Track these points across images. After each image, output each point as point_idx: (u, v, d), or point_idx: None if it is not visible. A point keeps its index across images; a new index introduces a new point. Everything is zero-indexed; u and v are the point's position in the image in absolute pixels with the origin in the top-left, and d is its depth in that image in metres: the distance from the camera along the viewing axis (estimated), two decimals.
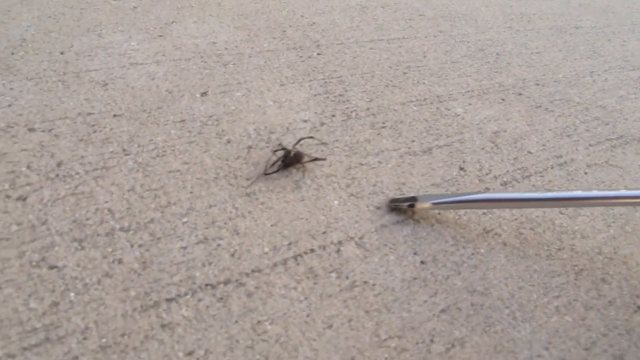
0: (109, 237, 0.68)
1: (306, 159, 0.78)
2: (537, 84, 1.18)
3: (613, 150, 1.05)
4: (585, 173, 0.97)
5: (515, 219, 0.84)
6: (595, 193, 0.75)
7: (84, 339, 0.58)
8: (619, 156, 1.04)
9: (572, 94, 1.16)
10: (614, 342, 0.71)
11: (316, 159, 0.80)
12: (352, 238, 0.75)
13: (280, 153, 0.79)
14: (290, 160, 0.77)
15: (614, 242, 0.85)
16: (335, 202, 0.79)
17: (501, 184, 0.89)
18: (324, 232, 0.75)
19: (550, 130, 1.04)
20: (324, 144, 0.86)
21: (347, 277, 0.70)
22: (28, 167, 0.75)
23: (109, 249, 0.67)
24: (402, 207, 0.81)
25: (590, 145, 1.04)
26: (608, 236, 0.86)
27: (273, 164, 0.78)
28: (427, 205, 0.79)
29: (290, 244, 0.72)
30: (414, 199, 0.80)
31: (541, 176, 0.93)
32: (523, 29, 1.51)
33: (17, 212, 0.69)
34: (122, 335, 0.59)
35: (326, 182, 0.81)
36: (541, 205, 0.77)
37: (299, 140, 0.84)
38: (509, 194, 0.78)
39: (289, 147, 0.82)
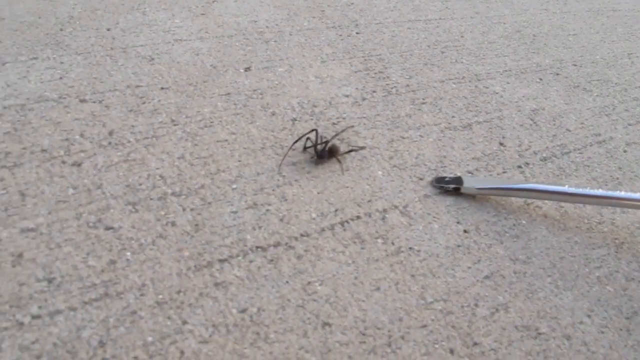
0: (161, 201, 0.70)
1: (342, 151, 0.81)
2: (575, 65, 1.18)
3: None
4: (625, 151, 0.97)
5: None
6: None
7: (142, 295, 0.60)
8: None
9: (610, 74, 1.16)
10: None
11: (352, 150, 0.82)
12: (396, 207, 0.77)
13: (311, 148, 0.81)
14: (323, 155, 0.79)
15: None
16: (379, 172, 0.80)
17: (540, 160, 0.90)
18: (369, 201, 0.76)
19: (588, 109, 1.04)
20: (361, 148, 0.87)
21: (392, 243, 0.71)
22: (81, 135, 0.78)
23: (162, 212, 0.69)
24: (448, 189, 0.82)
25: (630, 125, 1.04)
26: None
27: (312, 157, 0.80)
28: (472, 190, 0.81)
29: (336, 210, 0.74)
30: (459, 181, 0.81)
31: (580, 153, 0.94)
32: (559, 11, 1.51)
33: (73, 177, 0.71)
34: (178, 292, 0.62)
35: (370, 154, 0.82)
36: (587, 201, 0.79)
37: (337, 133, 0.84)
38: (558, 187, 0.79)
39: (322, 140, 0.81)
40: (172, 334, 0.58)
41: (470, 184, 0.81)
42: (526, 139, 0.92)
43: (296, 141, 0.77)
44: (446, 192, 0.82)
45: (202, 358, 0.57)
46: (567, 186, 0.78)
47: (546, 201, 0.83)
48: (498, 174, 0.85)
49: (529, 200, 0.82)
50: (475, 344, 0.63)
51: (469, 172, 0.84)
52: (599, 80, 1.13)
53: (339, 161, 0.77)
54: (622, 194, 0.76)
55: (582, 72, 1.13)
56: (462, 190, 0.81)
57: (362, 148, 0.84)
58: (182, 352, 0.57)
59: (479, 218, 0.78)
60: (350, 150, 0.80)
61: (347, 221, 0.73)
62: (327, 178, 0.77)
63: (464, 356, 0.62)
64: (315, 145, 0.76)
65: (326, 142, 0.77)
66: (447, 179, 0.82)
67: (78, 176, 0.71)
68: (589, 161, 0.92)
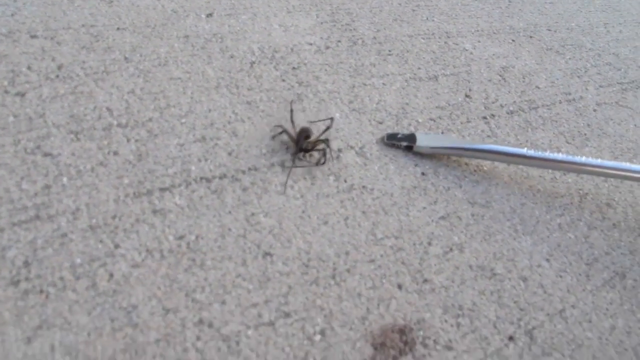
0: (105, 132, 0.67)
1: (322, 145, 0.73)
2: (549, 30, 1.16)
3: (624, 93, 1.03)
4: (594, 110, 0.95)
5: (520, 143, 0.83)
6: (607, 163, 0.75)
7: (74, 219, 0.57)
8: (629, 98, 1.01)
9: (585, 41, 1.14)
10: (617, 260, 0.70)
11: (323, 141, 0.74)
12: (352, 147, 0.74)
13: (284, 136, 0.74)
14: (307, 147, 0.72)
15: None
16: (337, 114, 0.77)
17: (507, 113, 0.87)
18: (325, 139, 0.73)
19: (560, 70, 1.02)
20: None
21: (345, 181, 0.69)
22: (28, 67, 0.74)
23: (105, 142, 0.66)
24: (399, 146, 0.78)
25: (601, 87, 1.02)
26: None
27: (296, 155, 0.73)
28: (426, 149, 0.77)
29: (288, 148, 0.71)
30: (412, 139, 0.77)
31: (548, 109, 0.91)
32: None
33: (15, 106, 0.68)
34: (113, 217, 0.58)
35: (329, 97, 0.79)
36: (547, 166, 0.76)
37: (322, 132, 0.76)
38: (518, 150, 0.75)
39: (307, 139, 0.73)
40: (103, 257, 0.55)
41: (423, 142, 0.77)
42: (493, 92, 0.89)
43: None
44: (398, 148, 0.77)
45: (132, 281, 0.54)
46: (526, 149, 0.75)
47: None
48: (462, 123, 0.82)
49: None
50: (426, 280, 0.61)
51: (431, 120, 0.81)
52: (572, 45, 1.10)
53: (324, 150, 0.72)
54: (584, 159, 0.74)
55: (556, 37, 1.11)
56: (415, 149, 0.77)
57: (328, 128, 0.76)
58: (111, 275, 0.54)
59: (439, 163, 0.75)
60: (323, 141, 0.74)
61: (299, 158, 0.69)
62: (281, 117, 0.74)
63: (412, 292, 0.59)
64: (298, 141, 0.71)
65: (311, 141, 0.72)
66: (399, 135, 0.78)
67: (20, 105, 0.68)
68: (557, 117, 0.90)
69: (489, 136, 0.82)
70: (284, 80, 0.81)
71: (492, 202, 0.72)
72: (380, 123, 0.78)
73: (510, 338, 0.58)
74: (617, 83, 1.05)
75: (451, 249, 0.65)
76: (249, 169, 0.67)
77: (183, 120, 0.71)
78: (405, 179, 0.71)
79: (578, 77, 1.02)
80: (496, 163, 0.78)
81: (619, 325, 0.63)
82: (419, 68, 0.91)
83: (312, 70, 0.83)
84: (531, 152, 0.75)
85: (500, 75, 0.95)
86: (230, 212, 0.62)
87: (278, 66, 0.82)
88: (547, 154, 0.75)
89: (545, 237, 0.70)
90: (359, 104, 0.80)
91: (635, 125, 0.95)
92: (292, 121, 0.71)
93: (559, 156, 0.74)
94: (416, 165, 0.74)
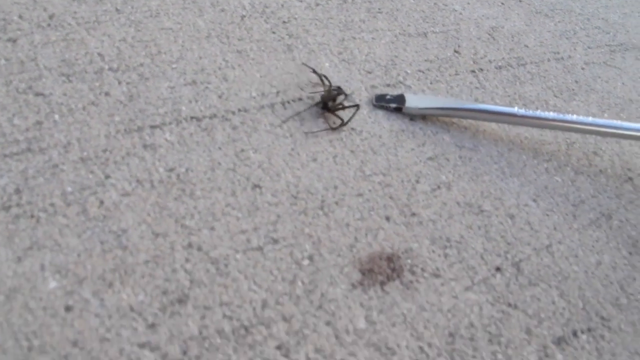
0: (97, 75, 0.68)
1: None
2: None
3: (612, 54, 1.04)
4: (582, 68, 0.96)
5: (508, 96, 0.84)
6: (598, 121, 0.76)
7: (66, 151, 0.58)
8: (617, 59, 1.03)
9: (574, 6, 1.15)
10: (603, 203, 0.71)
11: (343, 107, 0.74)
12: (336, 87, 0.74)
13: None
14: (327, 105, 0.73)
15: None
16: (327, 64, 0.78)
17: (495, 68, 0.88)
18: (314, 86, 0.74)
19: (548, 32, 1.03)
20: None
21: (333, 122, 0.69)
22: (20, 16, 0.75)
23: (97, 84, 0.67)
24: (389, 108, 0.77)
25: (589, 48, 1.03)
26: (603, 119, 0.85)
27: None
28: (415, 110, 0.76)
29: (278, 92, 0.72)
30: (401, 100, 0.77)
31: (537, 66, 0.92)
32: None
33: (7, 50, 0.69)
34: (104, 151, 0.59)
35: (319, 49, 0.80)
36: (540, 125, 0.76)
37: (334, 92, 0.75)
38: (509, 109, 0.76)
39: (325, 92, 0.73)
40: (93, 186, 0.56)
41: (413, 103, 0.76)
42: (482, 49, 0.90)
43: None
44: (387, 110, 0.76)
45: (122, 208, 0.55)
46: (516, 108, 0.75)
47: (497, 101, 0.82)
48: (450, 76, 0.83)
49: (481, 99, 0.81)
50: (414, 214, 0.62)
51: (420, 71, 0.82)
52: (562, 9, 1.12)
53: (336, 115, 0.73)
54: (575, 117, 0.75)
55: (546, 1, 1.12)
56: (404, 110, 0.76)
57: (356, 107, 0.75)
58: (101, 202, 0.55)
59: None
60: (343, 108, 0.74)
61: (288, 101, 0.71)
62: (272, 65, 0.75)
63: (400, 224, 0.60)
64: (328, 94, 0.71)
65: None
66: (388, 96, 0.77)
67: (12, 50, 0.68)
68: (545, 73, 0.91)
69: (477, 88, 0.83)
70: (274, 33, 0.82)
71: (479, 146, 0.73)
72: (369, 72, 0.79)
73: (497, 269, 0.59)
74: (606, 45, 1.06)
75: (439, 187, 0.66)
76: (239, 110, 0.68)
77: (174, 66, 0.72)
78: (393, 123, 0.72)
79: (567, 38, 1.03)
80: None
81: (605, 261, 0.64)
82: (409, 25, 0.92)
83: (302, 24, 0.84)
84: (522, 111, 0.75)
85: (489, 34, 0.96)
86: (220, 148, 0.63)
87: (268, 20, 0.83)
88: (538, 113, 0.75)
89: (532, 180, 0.71)
90: (349, 55, 0.81)
91: (622, 83, 0.96)
92: (322, 78, 0.73)
93: (550, 115, 0.75)
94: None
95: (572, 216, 0.68)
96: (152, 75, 0.69)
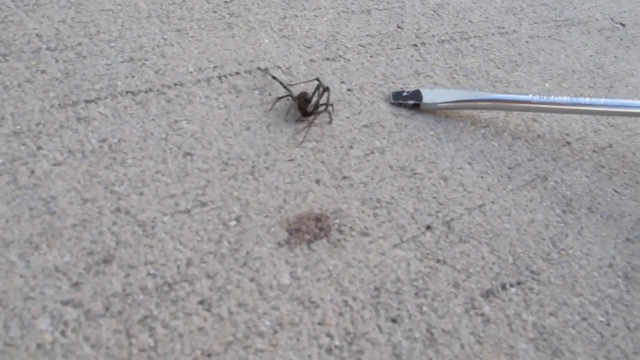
0: (34, 54, 0.69)
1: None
2: None
3: (558, 29, 1.06)
4: (527, 42, 0.98)
5: (449, 67, 0.85)
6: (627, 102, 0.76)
7: None
8: (563, 33, 1.05)
9: None
10: (539, 165, 0.72)
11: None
12: (279, 67, 0.76)
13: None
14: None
15: (548, 93, 0.86)
16: (266, 40, 0.80)
17: (438, 42, 0.90)
18: (251, 61, 0.76)
19: (495, 8, 1.05)
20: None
21: (269, 94, 0.71)
22: None
23: (33, 62, 0.68)
24: (406, 105, 0.78)
25: (535, 23, 1.05)
26: (543, 89, 0.87)
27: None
28: (433, 106, 0.77)
29: (215, 67, 0.73)
30: (418, 96, 0.77)
31: (480, 40, 0.94)
32: None
33: None
34: (37, 124, 0.61)
35: (259, 26, 0.82)
36: (568, 111, 0.77)
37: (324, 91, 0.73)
38: (527, 97, 0.76)
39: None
40: (25, 157, 0.57)
41: (430, 98, 0.76)
42: (426, 25, 0.92)
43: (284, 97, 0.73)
44: (404, 107, 0.78)
45: (52, 177, 0.56)
46: (531, 95, 0.77)
47: (438, 72, 0.84)
48: (392, 50, 0.84)
49: (420, 71, 0.82)
50: (345, 177, 0.63)
51: (361, 46, 0.83)
52: None
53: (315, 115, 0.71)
54: (589, 100, 0.76)
55: None
56: (422, 107, 0.76)
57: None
58: (32, 172, 0.56)
59: (365, 80, 0.78)
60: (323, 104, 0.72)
61: (225, 75, 0.72)
62: (210, 42, 0.76)
63: (330, 187, 0.61)
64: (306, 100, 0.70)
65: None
66: (405, 93, 0.76)
67: None
68: (488, 46, 0.93)
69: (418, 60, 0.85)
70: (215, 12, 0.83)
71: (416, 115, 0.75)
72: (309, 48, 0.81)
73: (428, 227, 0.61)
74: (552, 20, 1.08)
75: (372, 152, 0.68)
76: (175, 84, 0.69)
77: (112, 45, 0.73)
78: (330, 94, 0.73)
79: (513, 14, 1.05)
80: (424, 82, 0.80)
81: (537, 219, 0.65)
82: (352, 3, 0.93)
83: (244, 3, 0.86)
84: (537, 98, 0.76)
85: (434, 11, 0.98)
86: (153, 120, 0.64)
87: (210, 0, 0.85)
88: (553, 98, 0.76)
89: (469, 145, 0.73)
90: (289, 32, 0.83)
91: (566, 55, 0.98)
92: (285, 86, 0.72)
93: (565, 99, 0.76)
94: (342, 82, 0.77)
95: (507, 178, 0.70)
96: (89, 54, 0.71)
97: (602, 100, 0.76)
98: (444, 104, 0.76)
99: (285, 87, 0.69)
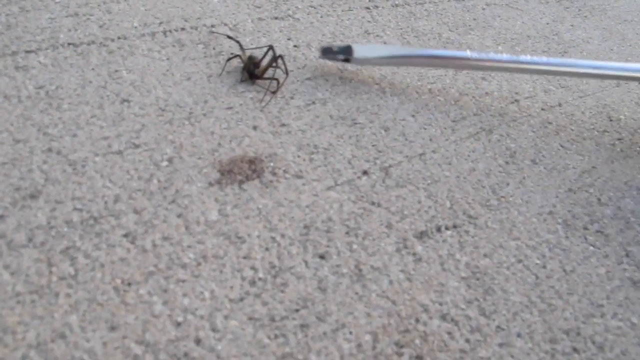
0: None
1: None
2: None
3: None
4: (483, 9, 0.99)
5: (401, 29, 0.86)
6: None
7: None
8: (521, 2, 1.06)
9: None
10: (485, 120, 0.73)
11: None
12: (225, 24, 0.77)
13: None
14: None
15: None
16: (215, 0, 0.80)
17: (392, 5, 0.91)
18: (198, 18, 0.76)
19: None
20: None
21: (213, 49, 0.71)
22: None
23: None
24: (337, 59, 0.74)
25: None
26: (495, 52, 0.88)
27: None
28: (364, 60, 0.73)
29: (161, 23, 0.74)
30: (348, 51, 0.73)
31: (435, 5, 0.95)
32: None
33: None
34: None
35: None
36: (501, 68, 0.76)
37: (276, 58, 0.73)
38: (461, 53, 0.75)
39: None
40: None
41: (361, 53, 0.72)
42: None
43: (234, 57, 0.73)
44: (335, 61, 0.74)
45: None
46: (468, 51, 0.74)
47: (388, 32, 0.84)
48: (343, 11, 0.85)
49: (370, 31, 0.83)
50: (283, 124, 0.64)
51: (311, 6, 0.84)
52: None
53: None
54: (530, 58, 0.74)
55: None
56: (353, 62, 0.72)
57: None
58: None
59: (313, 38, 0.78)
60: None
61: (170, 31, 0.73)
62: (157, 1, 0.76)
63: (267, 132, 0.62)
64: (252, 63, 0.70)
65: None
66: (335, 49, 0.73)
67: None
68: (443, 11, 0.94)
69: (369, 22, 0.85)
70: None
71: (361, 69, 0.75)
72: (258, 7, 0.82)
73: (365, 172, 0.61)
74: None
75: (314, 102, 0.68)
76: (118, 37, 0.70)
77: (57, 1, 0.73)
78: (276, 49, 0.73)
79: None
80: (373, 41, 0.80)
81: (479, 168, 0.66)
82: None
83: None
84: (475, 54, 0.73)
85: None
86: (93, 69, 0.64)
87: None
88: (492, 55, 0.74)
89: (414, 99, 0.73)
90: None
91: (522, 22, 0.99)
92: (241, 46, 0.72)
93: (505, 57, 0.75)
94: (289, 39, 0.77)
95: (451, 130, 0.70)
96: (33, 8, 0.71)
97: (545, 59, 0.75)
98: (376, 59, 0.72)
99: (241, 47, 0.70)
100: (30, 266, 0.46)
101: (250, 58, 0.68)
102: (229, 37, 0.72)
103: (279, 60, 0.68)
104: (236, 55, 0.68)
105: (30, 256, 0.46)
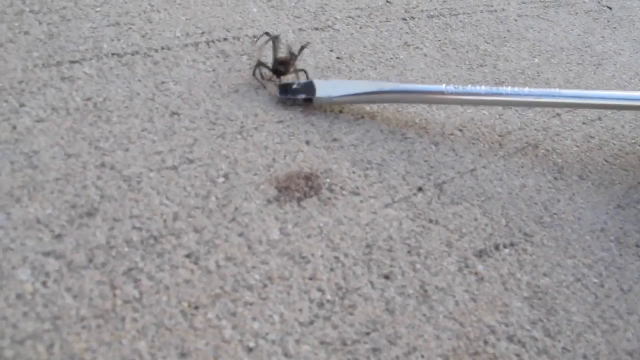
0: (17, 16, 0.67)
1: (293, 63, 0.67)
2: None
3: (546, 9, 1.06)
4: (516, 20, 0.98)
5: (439, 40, 0.85)
6: (537, 91, 0.71)
7: None
8: (551, 13, 1.05)
9: None
10: (530, 134, 0.72)
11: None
12: (267, 34, 0.75)
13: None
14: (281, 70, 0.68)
15: (538, 68, 0.86)
16: (255, 9, 0.79)
17: (427, 17, 0.90)
18: (240, 28, 0.75)
19: None
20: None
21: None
22: None
23: (16, 24, 0.66)
24: (297, 100, 0.67)
25: (523, 3, 1.05)
26: (532, 64, 0.87)
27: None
28: (328, 100, 0.67)
29: (203, 33, 0.72)
30: (310, 90, 0.66)
31: (469, 16, 0.94)
32: None
33: None
34: (20, 82, 0.59)
35: None
36: (474, 102, 0.71)
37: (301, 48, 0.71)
38: (437, 87, 0.69)
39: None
40: (7, 113, 0.55)
41: (325, 92, 0.65)
42: (415, 0, 0.91)
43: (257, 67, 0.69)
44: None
45: (35, 133, 0.54)
46: (444, 86, 0.68)
47: (427, 44, 0.83)
48: (381, 22, 0.84)
49: (410, 43, 0.82)
50: (335, 139, 0.62)
51: (350, 17, 0.82)
52: None
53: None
54: (511, 90, 0.69)
55: None
56: (316, 102, 0.66)
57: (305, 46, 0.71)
58: (14, 127, 0.54)
59: (355, 49, 0.77)
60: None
61: (213, 41, 0.71)
62: (198, 10, 0.75)
63: (320, 148, 0.60)
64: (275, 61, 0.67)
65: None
66: (295, 86, 0.65)
67: None
68: (477, 23, 0.92)
69: (407, 33, 0.84)
70: None
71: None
72: (298, 18, 0.80)
73: (420, 189, 0.60)
74: (540, 1, 1.08)
75: (362, 117, 0.67)
76: (162, 48, 0.68)
77: (98, 9, 0.71)
78: (319, 60, 0.72)
79: None
80: (413, 54, 0.80)
81: (529, 184, 0.65)
82: None
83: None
84: (452, 88, 0.67)
85: None
86: (140, 81, 0.63)
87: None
88: (470, 89, 0.69)
89: (459, 113, 0.72)
90: (278, 2, 0.82)
91: (555, 34, 0.98)
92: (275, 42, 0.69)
93: (484, 89, 0.69)
94: (331, 50, 0.76)
95: (499, 145, 0.69)
96: (74, 17, 0.69)
97: (527, 90, 0.70)
98: (343, 97, 0.65)
99: (274, 42, 0.67)
100: (94, 289, 0.44)
101: (277, 61, 0.67)
102: (267, 34, 0.70)
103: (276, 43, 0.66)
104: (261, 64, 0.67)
105: (92, 278, 0.44)
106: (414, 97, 0.68)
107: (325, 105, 0.68)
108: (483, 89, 0.68)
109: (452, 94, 0.66)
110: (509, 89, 0.69)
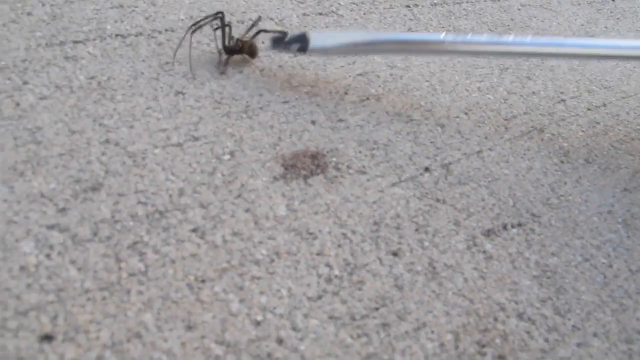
0: None
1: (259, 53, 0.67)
2: None
3: None
4: (519, 9, 0.98)
5: (442, 27, 0.84)
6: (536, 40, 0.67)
7: None
8: (554, 3, 1.05)
9: None
10: (535, 119, 0.71)
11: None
12: (272, 19, 0.75)
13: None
14: (234, 49, 0.66)
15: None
16: None
17: (431, 4, 0.90)
18: (244, 12, 0.74)
19: None
20: (282, 32, 0.66)
21: (263, 42, 0.69)
22: None
23: (19, 5, 0.66)
24: (291, 51, 0.64)
25: None
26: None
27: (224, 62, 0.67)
28: (322, 50, 0.64)
29: (207, 16, 0.71)
30: (304, 40, 0.63)
31: (472, 4, 0.94)
32: None
33: None
34: (23, 61, 0.59)
35: None
36: (471, 53, 0.69)
37: (257, 33, 0.69)
38: (433, 36, 0.68)
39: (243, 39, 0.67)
40: (10, 90, 0.55)
41: (318, 42, 0.62)
42: None
43: (194, 25, 0.67)
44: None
45: (38, 109, 0.54)
46: (443, 34, 0.63)
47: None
48: (385, 9, 0.83)
49: (413, 28, 0.81)
50: (341, 120, 0.61)
51: (353, 3, 0.82)
52: None
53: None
54: (513, 39, 0.67)
55: None
56: (309, 52, 0.62)
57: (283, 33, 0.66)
58: (17, 104, 0.54)
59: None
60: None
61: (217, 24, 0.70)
62: None
63: (326, 127, 0.60)
64: (223, 41, 0.65)
65: (241, 41, 0.66)
66: (287, 38, 0.62)
67: None
68: (480, 11, 0.92)
69: (411, 20, 0.84)
70: None
71: (410, 67, 0.73)
72: (302, 3, 0.79)
73: (426, 169, 0.59)
74: None
75: (368, 98, 0.66)
76: (166, 30, 0.67)
77: None
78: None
79: None
80: None
81: (535, 167, 0.64)
82: None
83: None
84: (451, 37, 0.62)
85: None
86: (144, 61, 0.62)
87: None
88: (470, 37, 0.67)
89: (464, 96, 0.71)
90: None
91: (558, 23, 0.97)
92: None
93: (484, 38, 0.67)
94: None
95: (504, 128, 0.68)
96: None
97: (529, 39, 0.66)
98: (337, 47, 0.62)
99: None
100: (98, 262, 0.43)
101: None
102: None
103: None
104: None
105: (97, 251, 0.44)
106: (412, 46, 0.65)
107: (324, 55, 0.66)
108: (484, 37, 0.65)
109: (451, 42, 0.62)
110: (511, 38, 0.66)
